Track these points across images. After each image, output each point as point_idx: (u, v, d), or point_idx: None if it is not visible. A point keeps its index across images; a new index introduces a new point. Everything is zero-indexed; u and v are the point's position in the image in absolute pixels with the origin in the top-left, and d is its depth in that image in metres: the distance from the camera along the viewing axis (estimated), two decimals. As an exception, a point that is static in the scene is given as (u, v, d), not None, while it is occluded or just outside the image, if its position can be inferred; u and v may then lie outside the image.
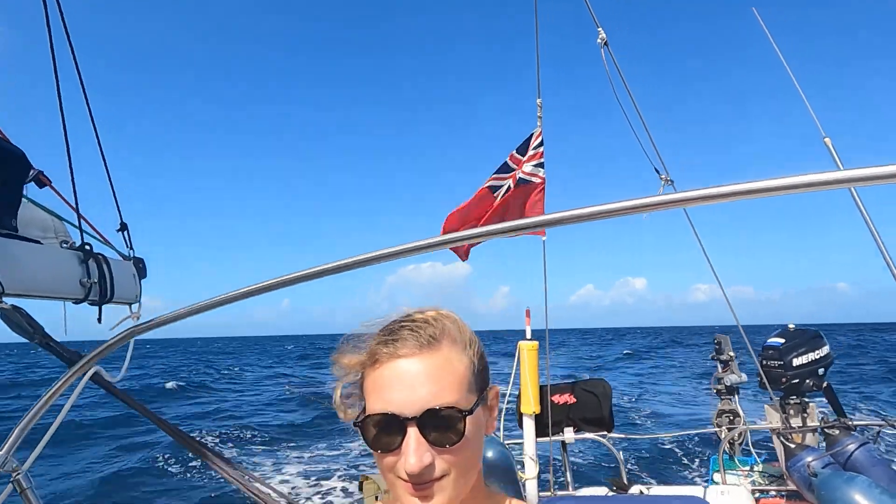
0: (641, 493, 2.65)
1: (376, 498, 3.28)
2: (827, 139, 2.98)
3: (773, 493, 3.45)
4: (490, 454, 3.76)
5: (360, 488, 3.34)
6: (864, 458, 2.94)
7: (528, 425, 3.78)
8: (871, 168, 0.58)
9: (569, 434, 3.88)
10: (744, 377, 4.33)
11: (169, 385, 23.80)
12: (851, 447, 2.98)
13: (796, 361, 3.31)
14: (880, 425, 3.19)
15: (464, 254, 3.96)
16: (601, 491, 3.00)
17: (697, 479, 4.89)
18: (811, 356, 3.33)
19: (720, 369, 4.59)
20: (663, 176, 3.47)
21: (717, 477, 3.79)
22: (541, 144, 3.45)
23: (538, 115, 3.38)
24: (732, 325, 3.81)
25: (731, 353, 4.55)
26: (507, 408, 3.97)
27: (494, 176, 3.60)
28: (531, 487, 3.73)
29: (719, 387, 4.54)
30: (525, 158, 3.48)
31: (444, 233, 4.02)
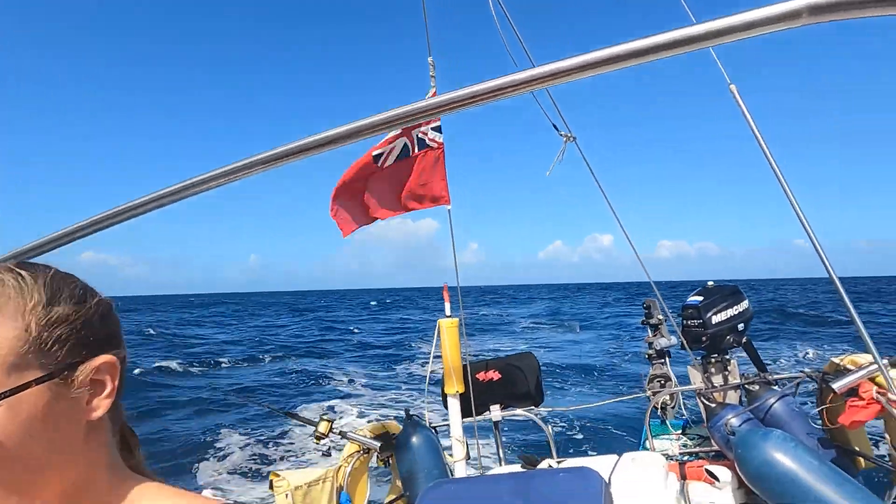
0: (550, 467, 2.51)
1: (286, 496, 3.06)
2: (732, 86, 2.87)
3: (702, 454, 3.38)
4: (415, 439, 3.60)
5: (270, 486, 3.10)
6: (783, 411, 2.89)
7: (454, 406, 3.62)
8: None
9: (496, 412, 3.73)
10: (673, 340, 4.26)
11: None
12: (771, 401, 2.93)
13: (715, 318, 3.24)
14: (799, 377, 3.14)
15: (352, 222, 3.65)
16: (515, 468, 2.86)
17: (633, 448, 4.86)
18: (730, 312, 3.26)
19: (650, 334, 4.53)
20: (563, 133, 3.32)
21: (647, 444, 3.72)
22: None
23: (431, 74, 3.16)
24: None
25: (661, 317, 4.49)
26: (430, 389, 3.80)
27: (384, 141, 3.35)
28: (459, 469, 3.59)
29: (650, 351, 4.47)
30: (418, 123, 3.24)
31: (334, 206, 3.78)
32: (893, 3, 0.52)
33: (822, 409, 2.81)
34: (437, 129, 3.27)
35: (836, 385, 2.60)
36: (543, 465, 2.65)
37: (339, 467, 3.45)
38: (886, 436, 2.68)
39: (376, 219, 3.64)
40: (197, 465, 9.22)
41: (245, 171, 0.81)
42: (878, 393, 2.51)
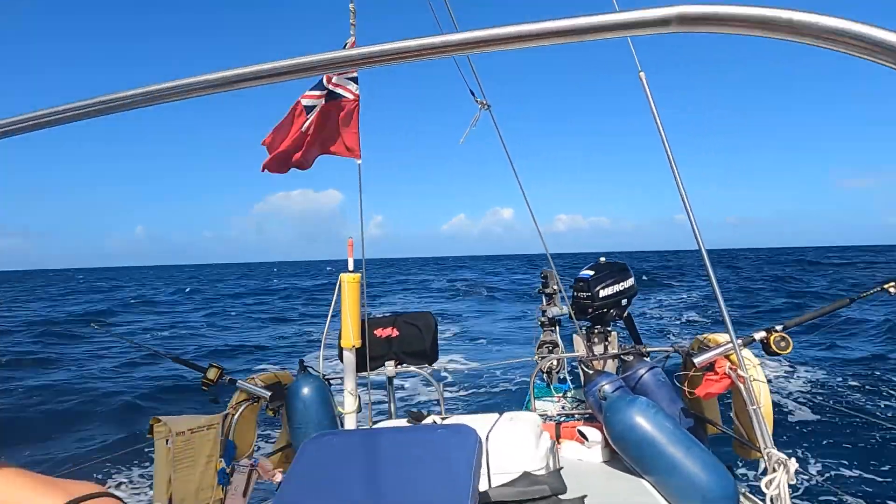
0: (434, 423, 2.62)
1: (166, 441, 2.98)
2: (642, 73, 2.99)
3: (577, 416, 3.64)
4: (306, 390, 3.60)
5: (150, 431, 3.00)
6: (650, 381, 3.15)
7: (349, 359, 3.64)
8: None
9: (390, 367, 3.80)
10: (565, 309, 4.50)
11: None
12: (641, 372, 3.18)
13: (602, 293, 3.45)
14: (668, 351, 3.44)
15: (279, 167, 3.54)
16: (401, 423, 2.95)
17: (519, 408, 5.18)
18: (616, 288, 3.48)
19: (545, 302, 4.76)
20: (479, 100, 3.35)
21: (531, 404, 3.95)
22: None
23: (351, 21, 3.05)
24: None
25: (556, 287, 4.72)
26: (326, 342, 3.80)
27: (308, 93, 3.24)
28: (350, 422, 3.64)
29: (543, 319, 4.72)
30: (337, 72, 3.14)
31: (270, 154, 3.63)
32: (752, 24, 0.57)
33: (685, 381, 3.11)
34: (354, 80, 3.18)
35: (697, 360, 2.88)
36: (428, 420, 2.75)
37: (226, 415, 3.40)
38: (733, 406, 3.01)
39: (295, 167, 3.54)
40: (77, 411, 8.75)
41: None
42: (731, 369, 2.80)
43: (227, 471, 3.23)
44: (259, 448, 3.69)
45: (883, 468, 6.32)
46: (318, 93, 3.21)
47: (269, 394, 3.52)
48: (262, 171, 3.54)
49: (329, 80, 3.27)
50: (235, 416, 3.41)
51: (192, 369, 3.64)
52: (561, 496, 2.14)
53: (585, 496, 2.21)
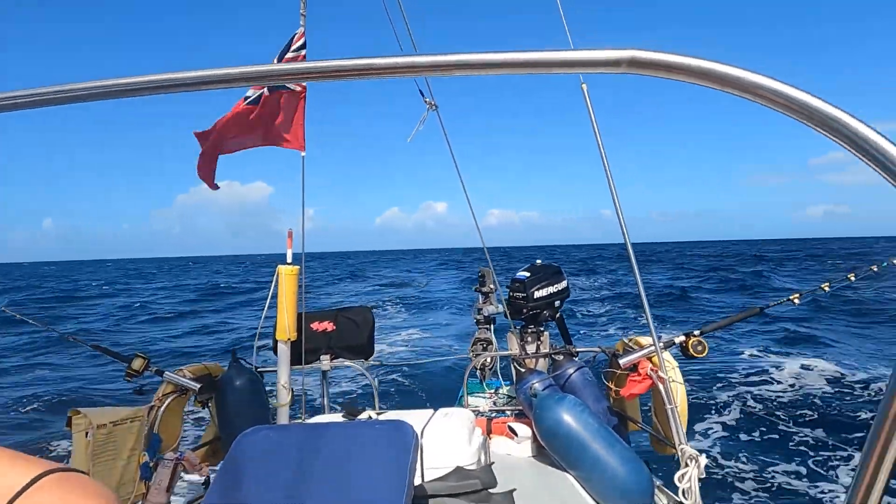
0: (370, 418, 2.65)
1: (86, 434, 2.86)
2: (584, 84, 3.12)
3: (508, 412, 3.76)
4: (238, 382, 3.53)
5: (69, 424, 2.87)
6: (578, 380, 3.30)
7: (283, 352, 3.60)
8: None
9: (325, 361, 3.79)
10: (500, 308, 4.62)
11: None
12: (570, 371, 3.33)
13: (537, 294, 3.57)
14: (596, 352, 3.61)
15: (210, 174, 3.48)
16: (337, 417, 2.96)
17: (452, 403, 5.28)
18: (550, 289, 3.62)
19: (481, 300, 4.87)
20: (427, 99, 3.39)
21: (464, 400, 4.04)
22: (303, 47, 3.10)
23: (301, 12, 3.01)
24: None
25: (492, 286, 4.83)
26: (261, 332, 3.74)
27: (255, 85, 3.17)
28: (282, 415, 3.60)
29: (479, 317, 4.82)
30: (284, 61, 3.09)
31: (204, 150, 3.52)
32: (693, 74, 0.64)
33: (610, 381, 3.28)
34: (301, 72, 3.12)
35: (622, 361, 3.05)
36: (364, 415, 2.77)
37: (152, 407, 3.29)
38: (652, 405, 3.21)
39: (229, 151, 3.45)
40: None
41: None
42: (651, 370, 2.98)
43: (151, 465, 3.13)
44: (186, 442, 3.58)
45: (779, 461, 6.87)
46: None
47: (199, 385, 3.43)
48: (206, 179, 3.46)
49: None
50: (161, 409, 3.31)
51: (115, 359, 3.49)
52: (491, 490, 2.22)
53: (514, 490, 2.30)
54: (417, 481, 2.18)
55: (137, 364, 3.36)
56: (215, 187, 3.58)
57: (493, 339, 4.63)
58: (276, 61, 3.15)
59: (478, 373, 4.55)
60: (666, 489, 2.91)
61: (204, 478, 3.29)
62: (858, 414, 8.42)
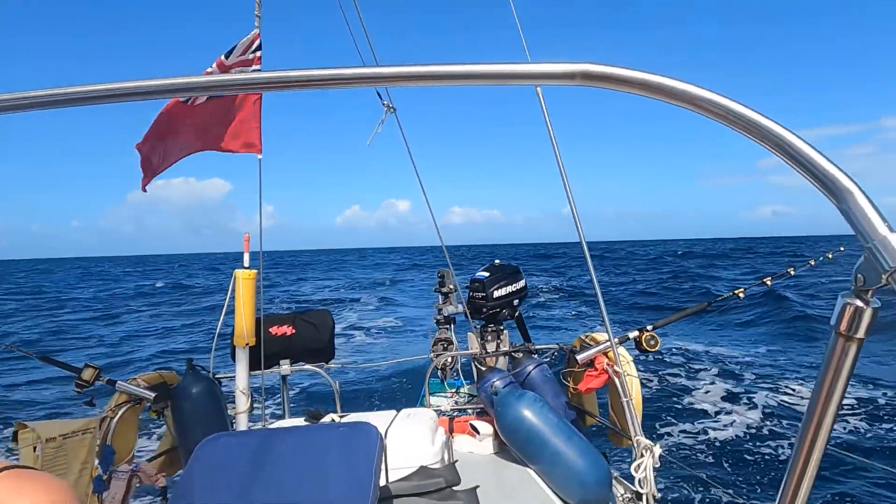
0: (333, 421, 2.65)
1: (34, 449, 2.75)
2: (539, 88, 3.20)
3: (469, 411, 3.81)
4: (195, 389, 3.45)
5: (14, 438, 2.75)
6: (538, 377, 3.37)
7: (241, 358, 3.55)
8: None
9: (285, 366, 3.75)
10: (460, 308, 4.66)
11: None
12: (530, 368, 3.39)
13: (496, 293, 3.63)
14: (554, 349, 3.69)
15: (150, 174, 3.40)
16: (299, 422, 2.94)
17: (415, 404, 5.31)
18: (509, 289, 3.68)
19: (441, 301, 4.90)
20: (385, 102, 3.41)
21: (426, 400, 4.06)
22: (259, 48, 3.06)
23: (256, 13, 2.98)
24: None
25: (451, 286, 4.87)
26: (219, 340, 3.67)
27: (207, 71, 3.10)
28: (242, 422, 3.55)
29: (439, 317, 4.85)
30: (235, 62, 3.04)
31: (143, 157, 3.43)
32: (639, 86, 0.68)
33: (568, 377, 3.36)
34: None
35: (579, 357, 3.14)
36: (327, 419, 2.76)
37: (104, 418, 3.19)
38: (609, 398, 3.31)
39: (180, 157, 3.37)
40: None
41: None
42: (608, 365, 3.08)
43: (105, 478, 3.04)
44: (140, 453, 3.49)
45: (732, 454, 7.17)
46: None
47: (154, 395, 3.34)
48: (144, 189, 3.39)
49: (224, 68, 3.14)
50: (114, 420, 3.21)
51: (63, 369, 3.37)
52: (455, 487, 2.26)
53: (478, 487, 2.34)
54: (382, 482, 2.19)
55: (88, 374, 3.25)
56: (144, 190, 3.49)
57: (454, 339, 4.67)
58: (224, 58, 3.08)
59: (439, 372, 4.59)
60: (623, 480, 3.01)
61: (161, 488, 3.21)
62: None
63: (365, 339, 14.73)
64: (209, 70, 2.99)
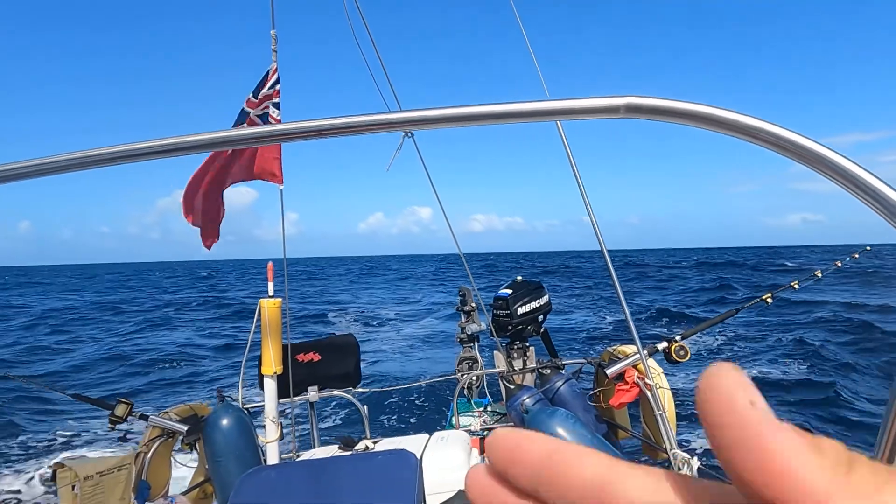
0: (367, 448, 2.64)
1: (73, 488, 2.78)
2: (547, 93, 3.21)
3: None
4: (226, 421, 3.47)
5: (53, 478, 2.78)
6: (566, 392, 3.35)
7: (269, 387, 3.56)
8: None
9: (313, 393, 3.76)
10: (483, 325, 4.65)
11: None
12: (558, 384, 3.37)
13: (520, 310, 3.63)
14: (582, 363, 3.67)
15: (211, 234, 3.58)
16: (332, 449, 2.94)
17: (443, 424, 5.30)
18: (533, 305, 3.67)
19: (463, 319, 4.89)
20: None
21: (454, 420, 4.04)
22: (277, 82, 3.13)
23: (273, 48, 3.04)
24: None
25: (473, 304, 4.86)
26: (246, 370, 3.69)
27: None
28: (272, 451, 3.55)
29: (462, 335, 4.84)
30: (260, 98, 3.12)
31: (186, 207, 3.54)
32: (685, 117, 0.69)
33: (598, 391, 3.34)
34: (277, 106, 3.15)
35: (609, 371, 3.11)
36: (360, 446, 2.76)
37: (139, 454, 3.21)
38: (641, 412, 3.28)
39: (219, 198, 3.55)
40: None
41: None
42: (638, 378, 3.05)
43: (141, 513, 3.06)
44: (175, 486, 3.50)
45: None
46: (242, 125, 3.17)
47: (186, 428, 3.36)
48: (209, 247, 3.55)
49: (252, 106, 3.24)
50: (149, 455, 3.24)
51: (97, 406, 3.41)
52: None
53: None
54: None
55: (121, 410, 3.28)
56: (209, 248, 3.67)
57: (479, 357, 4.66)
58: (250, 96, 3.17)
59: (465, 392, 4.57)
60: None
61: (196, 521, 3.22)
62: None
63: (391, 355, 14.69)
64: (249, 118, 3.11)
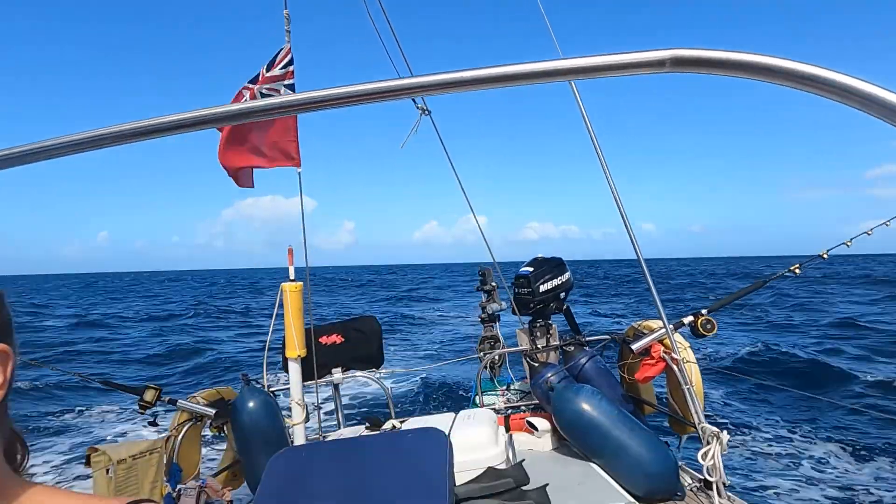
0: (394, 427, 2.65)
1: (107, 471, 2.83)
2: (574, 84, 3.15)
3: (523, 407, 3.78)
4: (252, 403, 3.51)
5: (87, 462, 2.84)
6: (591, 369, 3.33)
7: (294, 369, 3.59)
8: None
9: (337, 374, 3.78)
10: (503, 305, 4.64)
11: None
12: (583, 361, 3.35)
13: (542, 287, 3.59)
14: (606, 339, 3.64)
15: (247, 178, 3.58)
16: (359, 430, 2.96)
17: (466, 404, 5.31)
18: (554, 282, 3.64)
19: (484, 299, 4.88)
20: (419, 105, 3.40)
21: (477, 399, 4.05)
22: (291, 63, 3.09)
23: (286, 28, 3.01)
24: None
25: (494, 284, 4.84)
26: (269, 355, 3.72)
27: (247, 85, 3.14)
28: (299, 433, 3.59)
29: (483, 315, 4.83)
30: (269, 77, 3.08)
31: (225, 158, 3.54)
32: (738, 68, 0.65)
33: (623, 366, 3.30)
34: (291, 88, 3.12)
35: (634, 346, 3.08)
36: (387, 425, 2.77)
37: (169, 437, 3.26)
38: (667, 386, 3.24)
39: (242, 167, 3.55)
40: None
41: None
42: (664, 353, 3.02)
43: (174, 495, 3.10)
44: (204, 469, 3.56)
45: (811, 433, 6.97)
46: (252, 85, 3.13)
47: (214, 411, 3.41)
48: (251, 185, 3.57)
49: (265, 80, 3.20)
50: (179, 438, 3.28)
51: (126, 392, 3.46)
52: (524, 487, 2.24)
53: (547, 484, 2.32)
54: None
55: (149, 395, 3.33)
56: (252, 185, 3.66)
57: (500, 336, 4.64)
58: (264, 71, 3.13)
59: (488, 371, 4.57)
60: (689, 469, 2.95)
61: (228, 502, 3.27)
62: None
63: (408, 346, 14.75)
64: (251, 87, 3.06)
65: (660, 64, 0.67)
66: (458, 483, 2.22)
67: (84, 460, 2.88)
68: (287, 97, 0.77)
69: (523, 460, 2.53)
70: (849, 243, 3.40)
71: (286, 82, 3.09)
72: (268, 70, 3.06)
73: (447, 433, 2.52)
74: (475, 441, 2.43)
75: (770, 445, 6.56)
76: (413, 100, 3.36)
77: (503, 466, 2.36)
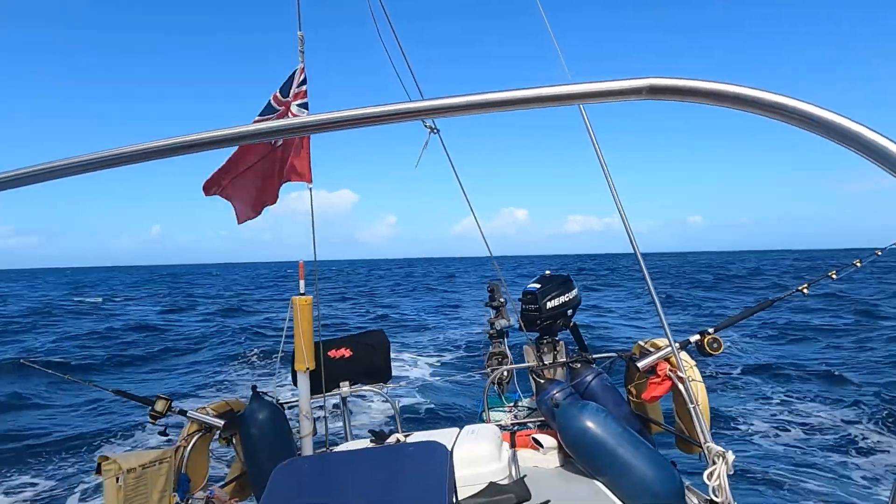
0: (398, 441, 2.67)
1: (117, 480, 2.88)
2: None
3: (530, 424, 3.77)
4: (261, 415, 3.55)
5: (98, 470, 2.89)
6: (597, 386, 3.32)
7: (303, 382, 3.63)
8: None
9: (345, 388, 3.82)
10: (511, 321, 4.65)
11: None
12: (589, 378, 3.35)
13: (549, 304, 3.61)
14: (613, 357, 3.63)
15: (253, 210, 3.71)
16: (365, 443, 2.98)
17: (474, 419, 5.31)
18: (561, 299, 3.65)
19: (493, 315, 4.89)
20: (428, 125, 3.46)
21: (484, 415, 4.05)
22: (304, 82, 3.19)
23: (300, 49, 3.10)
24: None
25: (502, 300, 4.86)
26: (280, 366, 3.77)
27: (258, 118, 3.25)
28: (306, 445, 3.62)
29: (491, 331, 4.84)
30: (289, 98, 3.18)
31: (226, 197, 3.65)
32: (710, 96, 0.69)
33: (630, 384, 3.30)
34: (304, 106, 3.21)
35: (640, 364, 3.08)
36: (392, 439, 2.80)
37: (178, 447, 3.31)
38: (674, 405, 3.23)
39: (266, 204, 3.69)
40: (15, 454, 8.12)
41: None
42: (670, 371, 3.01)
43: (182, 505, 3.15)
44: (212, 480, 3.60)
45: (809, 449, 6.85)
46: (268, 116, 3.24)
47: (223, 423, 3.45)
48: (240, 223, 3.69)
49: (281, 103, 3.31)
50: (188, 449, 3.33)
51: (137, 402, 3.52)
52: (526, 503, 2.24)
53: (549, 501, 2.32)
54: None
55: (160, 405, 3.39)
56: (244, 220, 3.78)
57: (508, 352, 4.65)
58: (277, 93, 3.23)
59: (495, 387, 4.57)
60: (695, 489, 2.93)
61: (234, 514, 3.30)
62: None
63: (413, 356, 14.75)
64: (271, 115, 3.19)
65: (637, 92, 0.71)
66: (460, 498, 2.23)
67: (95, 468, 2.94)
68: (302, 118, 0.82)
69: (525, 476, 2.53)
70: (858, 263, 3.38)
71: (299, 101, 3.18)
72: (285, 94, 3.18)
73: (450, 448, 2.54)
74: (478, 456, 2.44)
75: (778, 467, 6.45)
76: (422, 120, 3.44)
77: (506, 482, 2.37)
